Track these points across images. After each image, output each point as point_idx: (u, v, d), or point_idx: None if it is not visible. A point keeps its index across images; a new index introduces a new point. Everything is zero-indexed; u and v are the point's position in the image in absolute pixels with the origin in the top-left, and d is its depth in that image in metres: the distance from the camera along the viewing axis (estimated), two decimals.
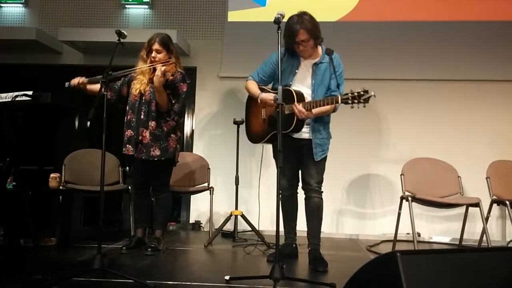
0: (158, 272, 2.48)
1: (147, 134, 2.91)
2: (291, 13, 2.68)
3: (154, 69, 2.88)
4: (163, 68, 2.78)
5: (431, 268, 1.22)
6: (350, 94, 2.32)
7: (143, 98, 2.96)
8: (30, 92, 1.91)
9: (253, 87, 2.79)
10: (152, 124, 2.92)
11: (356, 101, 2.30)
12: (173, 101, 2.95)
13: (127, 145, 2.93)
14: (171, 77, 2.87)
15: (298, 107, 2.50)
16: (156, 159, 2.92)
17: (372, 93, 2.28)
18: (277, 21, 2.25)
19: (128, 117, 2.97)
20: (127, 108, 3.00)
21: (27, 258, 2.44)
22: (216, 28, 4.46)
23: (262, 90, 2.77)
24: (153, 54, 2.93)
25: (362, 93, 2.29)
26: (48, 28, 4.45)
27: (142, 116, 2.92)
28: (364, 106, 2.30)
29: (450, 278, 1.23)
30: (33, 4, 4.60)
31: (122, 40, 2.51)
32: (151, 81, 2.94)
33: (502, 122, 4.00)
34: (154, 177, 3.04)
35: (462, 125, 4.04)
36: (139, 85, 2.96)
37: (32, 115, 2.20)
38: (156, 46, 2.92)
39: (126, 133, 2.95)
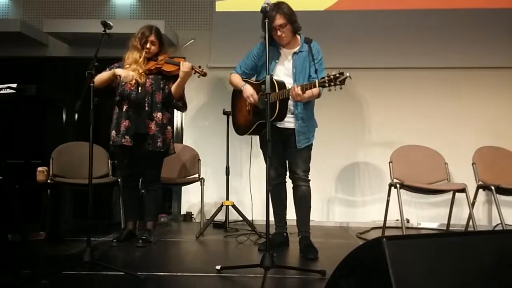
0: (149, 264, 2.48)
1: (152, 125, 2.93)
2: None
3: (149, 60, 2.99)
4: (189, 63, 2.89)
5: (417, 253, 1.24)
6: (326, 78, 2.37)
7: (141, 89, 2.94)
8: (14, 85, 1.88)
9: (237, 79, 2.84)
10: (158, 115, 2.95)
11: (332, 83, 2.34)
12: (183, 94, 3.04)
13: (126, 136, 2.91)
14: (200, 70, 2.92)
15: (296, 90, 2.52)
16: (162, 150, 2.95)
17: (347, 75, 2.32)
18: (263, 10, 2.25)
19: (124, 108, 2.94)
20: (119, 98, 2.97)
21: (16, 253, 2.43)
22: (204, 18, 4.41)
23: (246, 82, 2.80)
24: (149, 45, 2.97)
25: (337, 75, 2.33)
26: (33, 20, 4.37)
27: (146, 108, 2.93)
28: (341, 88, 2.35)
29: (436, 262, 1.25)
30: None
31: (108, 31, 2.48)
32: (149, 72, 2.95)
33: (487, 109, 4.05)
34: (149, 168, 3.04)
35: (448, 112, 4.08)
36: (133, 75, 2.92)
37: (17, 108, 2.17)
38: (152, 37, 2.98)
39: (124, 123, 2.92)
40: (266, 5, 2.27)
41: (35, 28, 4.24)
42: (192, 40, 3.01)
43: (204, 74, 2.94)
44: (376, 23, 4.15)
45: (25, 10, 4.48)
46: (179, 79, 2.91)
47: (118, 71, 2.90)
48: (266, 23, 2.27)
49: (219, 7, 4.33)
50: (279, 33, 2.64)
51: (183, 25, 4.43)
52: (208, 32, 4.35)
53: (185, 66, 2.87)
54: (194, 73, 2.94)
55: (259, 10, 2.28)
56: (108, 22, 2.46)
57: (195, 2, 4.43)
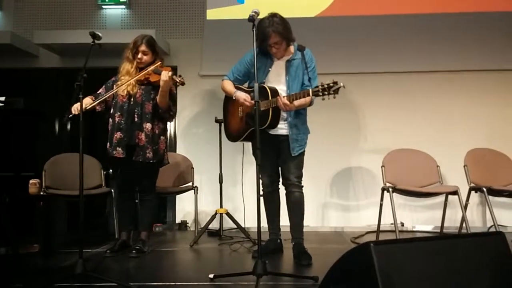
0: (142, 274, 2.47)
1: (142, 136, 2.91)
2: (270, 10, 2.70)
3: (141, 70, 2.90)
4: (170, 72, 2.82)
5: (404, 257, 1.25)
6: (320, 87, 2.37)
7: (132, 100, 2.93)
8: (2, 98, 1.88)
9: (229, 86, 2.84)
10: (147, 126, 2.92)
11: (326, 92, 2.34)
12: (170, 104, 2.98)
13: (117, 148, 2.89)
14: (179, 79, 2.84)
15: (283, 100, 2.52)
16: (151, 161, 2.92)
17: (341, 84, 2.32)
18: (251, 19, 2.27)
19: (116, 119, 2.92)
20: (113, 110, 2.97)
21: (8, 266, 2.41)
22: (195, 26, 4.44)
23: (238, 88, 2.82)
24: (140, 55, 2.95)
25: (331, 84, 2.33)
26: (23, 32, 4.37)
27: (136, 119, 2.91)
28: (334, 97, 2.34)
29: (423, 265, 1.26)
30: (7, 7, 4.51)
31: (99, 41, 2.48)
32: (140, 82, 2.94)
33: (478, 111, 4.08)
34: (143, 179, 3.03)
35: (439, 115, 4.11)
36: (125, 86, 2.92)
37: (7, 121, 2.16)
38: (143, 47, 2.95)
39: (115, 135, 2.90)
40: (254, 13, 2.30)
41: (26, 40, 4.24)
42: (159, 63, 2.96)
43: (183, 83, 2.86)
44: (367, 28, 4.19)
45: (15, 22, 4.48)
46: (160, 89, 2.87)
47: (85, 102, 2.73)
48: (254, 31, 2.28)
49: (210, 15, 4.36)
50: (274, 50, 2.66)
51: (174, 33, 4.45)
52: (199, 40, 4.38)
53: (163, 75, 2.82)
54: (174, 82, 2.89)
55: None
56: (97, 33, 2.46)
57: (186, 11, 4.46)
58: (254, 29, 2.29)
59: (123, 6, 4.47)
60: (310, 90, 2.43)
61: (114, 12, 4.50)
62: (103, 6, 4.47)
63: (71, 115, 2.71)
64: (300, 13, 4.19)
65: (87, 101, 2.83)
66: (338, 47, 4.12)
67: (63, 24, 4.45)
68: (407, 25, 4.16)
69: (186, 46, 4.39)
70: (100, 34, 2.48)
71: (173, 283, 2.22)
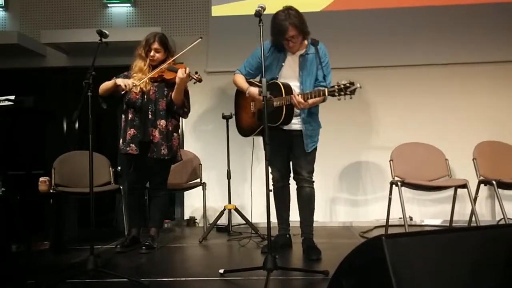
0: (152, 270, 2.49)
1: (156, 133, 2.92)
2: (274, 5, 2.68)
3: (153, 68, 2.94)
4: (187, 70, 2.83)
5: (416, 250, 1.24)
6: (336, 87, 2.32)
7: (146, 97, 2.95)
8: (12, 97, 1.90)
9: (241, 81, 2.81)
10: (162, 123, 2.94)
11: (342, 93, 2.30)
12: (184, 100, 3.00)
13: (131, 144, 2.91)
14: (196, 76, 2.85)
15: (298, 98, 2.50)
16: (166, 158, 2.93)
17: (358, 85, 2.27)
18: (257, 14, 2.26)
19: (130, 116, 2.94)
20: (125, 106, 2.98)
21: (20, 263, 2.44)
22: (200, 23, 4.44)
23: (250, 84, 2.79)
24: (152, 53, 2.96)
25: (348, 85, 2.28)
26: (30, 31, 4.40)
27: (150, 116, 2.92)
28: (351, 98, 2.30)
29: (435, 258, 1.25)
30: (14, 7, 4.54)
31: (105, 40, 2.49)
32: (153, 80, 2.95)
33: (486, 104, 4.04)
34: (156, 175, 3.05)
35: (447, 108, 4.07)
36: (139, 83, 2.92)
37: (17, 120, 2.19)
38: (155, 45, 2.96)
39: (129, 132, 2.92)
40: (260, 8, 2.29)
41: (33, 39, 4.27)
42: (200, 40, 2.98)
43: (200, 80, 2.89)
44: (374, 21, 4.15)
45: (22, 22, 4.51)
46: (176, 86, 2.89)
47: (118, 81, 2.89)
48: (261, 26, 2.27)
49: (215, 11, 4.35)
50: (290, 44, 2.63)
51: (180, 31, 4.45)
52: (205, 37, 4.36)
53: (180, 72, 2.84)
54: (190, 79, 2.91)
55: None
56: (104, 31, 2.47)
57: (191, 7, 4.46)
58: (261, 24, 2.27)
59: (129, 4, 4.48)
60: (326, 90, 2.38)
61: (120, 10, 4.51)
62: (109, 5, 4.48)
63: (124, 91, 2.80)
64: (305, 7, 4.10)
65: (108, 85, 2.90)
66: (344, 41, 4.09)
67: (70, 23, 4.47)
68: (415, 18, 4.11)
69: (191, 43, 4.38)
70: (107, 32, 2.49)
71: (183, 279, 2.24)
